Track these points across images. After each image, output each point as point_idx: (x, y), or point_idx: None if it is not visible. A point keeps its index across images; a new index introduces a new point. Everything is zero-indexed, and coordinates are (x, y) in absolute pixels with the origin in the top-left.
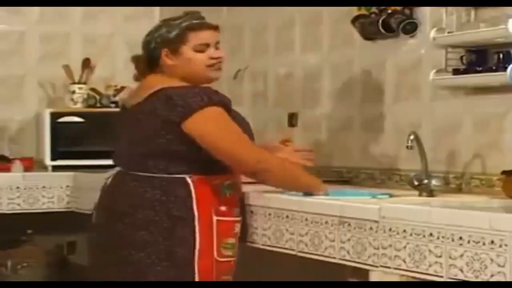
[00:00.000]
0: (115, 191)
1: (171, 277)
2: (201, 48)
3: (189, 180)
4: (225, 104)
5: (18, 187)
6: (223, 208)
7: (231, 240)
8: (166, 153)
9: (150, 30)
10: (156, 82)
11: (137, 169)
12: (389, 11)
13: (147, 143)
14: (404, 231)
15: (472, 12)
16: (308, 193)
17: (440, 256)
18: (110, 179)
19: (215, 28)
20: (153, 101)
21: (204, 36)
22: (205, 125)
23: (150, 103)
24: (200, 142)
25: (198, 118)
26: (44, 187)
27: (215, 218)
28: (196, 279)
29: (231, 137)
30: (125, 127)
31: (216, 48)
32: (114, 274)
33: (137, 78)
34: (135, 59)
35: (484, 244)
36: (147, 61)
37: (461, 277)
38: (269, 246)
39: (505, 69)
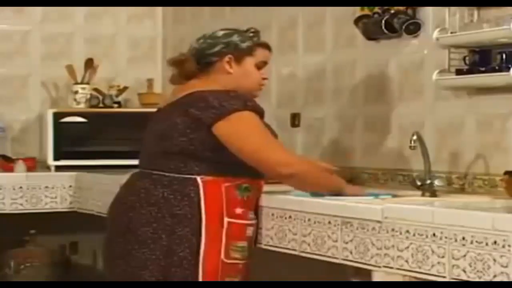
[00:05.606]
0: (128, 187)
1: (173, 275)
2: (261, 65)
3: (199, 181)
4: (259, 111)
5: (21, 187)
6: (238, 211)
7: (242, 243)
8: (182, 152)
9: (209, 34)
10: (195, 86)
11: (152, 168)
12: (392, 11)
13: (165, 141)
14: (407, 231)
15: (475, 12)
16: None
17: (443, 257)
18: (127, 178)
19: (271, 50)
20: (187, 101)
21: (267, 55)
22: (237, 126)
23: (184, 103)
24: (228, 144)
25: (230, 120)
26: (47, 187)
27: (226, 219)
28: (200, 280)
29: (260, 139)
30: (152, 126)
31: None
32: (121, 266)
33: (178, 81)
34: (180, 61)
35: (487, 244)
36: (198, 63)
37: (464, 277)
38: (271, 246)
39: (508, 69)
